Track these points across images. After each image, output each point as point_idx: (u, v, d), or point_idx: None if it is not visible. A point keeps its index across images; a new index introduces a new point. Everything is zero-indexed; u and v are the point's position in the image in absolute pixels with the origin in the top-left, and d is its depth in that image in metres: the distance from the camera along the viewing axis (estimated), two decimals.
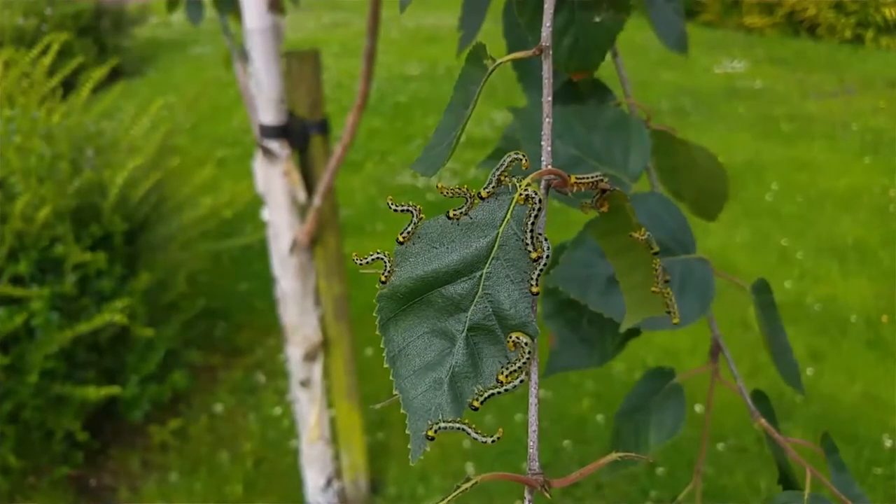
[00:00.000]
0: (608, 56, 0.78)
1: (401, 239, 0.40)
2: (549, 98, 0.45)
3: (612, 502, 2.00)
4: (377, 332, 0.39)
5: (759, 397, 0.68)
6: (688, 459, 2.09)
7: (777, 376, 0.71)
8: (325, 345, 1.77)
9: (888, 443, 2.15)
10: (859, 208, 3.58)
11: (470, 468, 2.11)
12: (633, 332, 0.69)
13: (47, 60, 2.36)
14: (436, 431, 0.36)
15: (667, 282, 0.50)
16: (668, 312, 0.51)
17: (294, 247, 1.65)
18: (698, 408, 2.15)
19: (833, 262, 3.13)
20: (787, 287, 2.75)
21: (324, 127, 1.61)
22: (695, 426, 2.07)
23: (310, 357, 1.75)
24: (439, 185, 0.41)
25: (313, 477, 1.89)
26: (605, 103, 0.75)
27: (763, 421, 0.64)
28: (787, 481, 0.63)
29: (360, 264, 0.40)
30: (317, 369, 1.77)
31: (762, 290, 0.69)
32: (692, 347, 2.56)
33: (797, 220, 3.50)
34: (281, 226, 1.65)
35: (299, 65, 1.56)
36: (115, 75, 5.27)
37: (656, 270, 0.47)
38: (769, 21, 6.69)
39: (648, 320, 0.59)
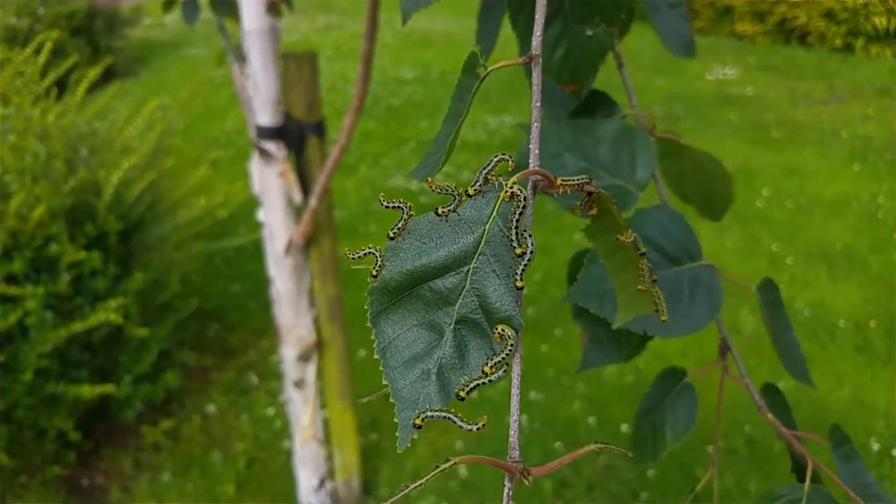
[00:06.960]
0: (614, 66, 0.80)
1: (391, 234, 0.41)
2: (538, 104, 0.47)
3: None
4: (368, 325, 0.40)
5: (771, 391, 0.69)
6: (678, 461, 2.11)
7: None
8: (318, 345, 1.79)
9: (875, 446, 2.17)
10: (848, 214, 3.62)
11: (462, 469, 2.12)
12: (647, 338, 0.72)
13: (41, 59, 2.36)
14: (423, 420, 0.38)
15: (654, 281, 0.52)
16: (657, 311, 0.53)
17: (289, 248, 1.66)
18: None
19: (822, 268, 3.16)
20: None
21: (320, 128, 1.62)
22: None
23: (304, 358, 1.76)
24: (429, 181, 0.42)
25: (306, 477, 1.90)
26: (612, 115, 0.77)
27: (770, 415, 0.66)
28: (801, 472, 0.65)
29: (353, 258, 0.41)
30: (310, 370, 1.78)
31: (768, 289, 0.72)
32: (683, 351, 2.58)
33: (787, 226, 3.53)
34: (276, 227, 1.66)
35: (296, 66, 1.57)
36: (108, 76, 5.27)
37: (643, 270, 0.49)
38: (760, 28, 6.75)
39: (663, 327, 0.62)
